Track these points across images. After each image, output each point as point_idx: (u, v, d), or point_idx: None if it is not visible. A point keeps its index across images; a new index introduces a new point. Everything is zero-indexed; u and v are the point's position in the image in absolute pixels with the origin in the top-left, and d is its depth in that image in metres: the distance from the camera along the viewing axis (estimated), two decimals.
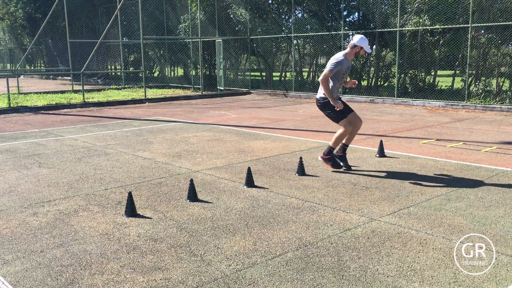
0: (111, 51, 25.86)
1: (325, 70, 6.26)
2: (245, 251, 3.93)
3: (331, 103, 6.24)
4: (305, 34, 19.39)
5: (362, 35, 6.38)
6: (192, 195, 5.30)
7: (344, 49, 17.86)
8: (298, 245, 4.03)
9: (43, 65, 35.51)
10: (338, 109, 6.25)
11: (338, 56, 6.32)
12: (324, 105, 6.43)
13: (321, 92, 6.43)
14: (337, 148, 6.64)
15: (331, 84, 6.29)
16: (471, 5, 13.76)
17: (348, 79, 6.71)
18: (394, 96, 15.93)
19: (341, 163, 6.59)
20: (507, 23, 13.48)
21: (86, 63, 18.48)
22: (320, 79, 6.25)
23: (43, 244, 4.13)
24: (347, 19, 19.05)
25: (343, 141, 6.58)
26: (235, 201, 5.25)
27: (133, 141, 9.03)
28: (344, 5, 17.79)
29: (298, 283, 3.38)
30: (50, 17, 22.00)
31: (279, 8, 20.71)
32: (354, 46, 6.31)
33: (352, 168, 6.69)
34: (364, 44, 6.30)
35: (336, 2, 19.14)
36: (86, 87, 19.75)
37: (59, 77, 30.82)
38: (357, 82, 6.61)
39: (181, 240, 4.18)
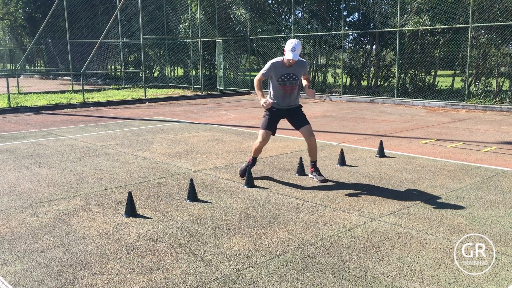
0: (111, 51, 25.86)
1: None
2: (245, 251, 3.93)
3: (259, 99, 5.95)
4: (305, 34, 19.39)
5: (294, 39, 5.72)
6: (192, 195, 5.30)
7: (344, 49, 17.98)
8: (298, 245, 4.03)
9: (43, 65, 35.50)
10: (263, 106, 5.79)
11: (275, 59, 5.91)
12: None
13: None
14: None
15: (271, 89, 5.94)
16: (471, 5, 13.76)
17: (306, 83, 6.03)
18: (394, 96, 15.93)
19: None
20: (507, 23, 13.48)
21: (86, 63, 18.48)
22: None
23: (43, 244, 4.13)
24: (347, 19, 19.05)
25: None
26: (235, 201, 5.25)
27: (133, 141, 9.03)
28: (344, 5, 17.79)
29: (298, 283, 3.38)
30: (50, 17, 22.00)
31: (279, 8, 20.71)
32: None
33: (352, 168, 6.69)
34: (287, 48, 5.64)
35: (336, 2, 19.14)
36: (86, 87, 19.76)
37: (59, 77, 30.81)
38: (314, 92, 5.92)
39: (181, 240, 4.18)
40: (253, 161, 6.22)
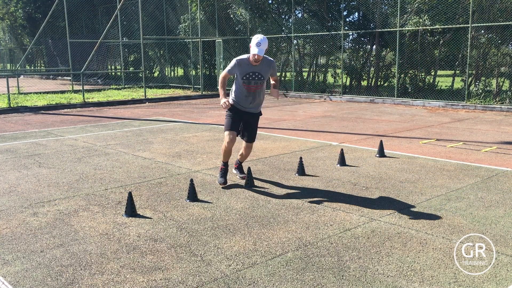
0: (111, 51, 25.86)
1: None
2: (245, 251, 3.93)
3: (220, 98, 5.70)
4: (305, 34, 19.39)
5: (260, 35, 5.43)
6: (192, 195, 5.30)
7: (344, 49, 17.98)
8: (298, 245, 4.03)
9: (43, 65, 35.50)
10: (222, 106, 5.54)
11: (240, 56, 5.65)
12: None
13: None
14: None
15: (234, 88, 5.69)
16: (471, 5, 13.76)
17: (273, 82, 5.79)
18: (394, 96, 15.93)
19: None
20: (507, 23, 13.48)
21: (86, 63, 18.48)
22: None
23: (43, 244, 4.13)
24: (347, 19, 19.05)
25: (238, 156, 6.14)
26: (235, 201, 5.25)
27: (133, 141, 9.03)
28: (344, 5, 17.79)
29: (298, 283, 3.38)
30: (50, 17, 22.00)
31: (279, 8, 20.71)
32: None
33: (352, 168, 6.69)
34: (252, 43, 5.36)
35: (336, 2, 19.14)
36: (86, 87, 19.76)
37: (59, 77, 30.81)
38: (278, 92, 5.75)
39: (181, 240, 4.18)
40: (225, 166, 5.90)
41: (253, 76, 5.51)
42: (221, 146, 8.37)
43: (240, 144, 6.15)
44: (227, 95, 5.69)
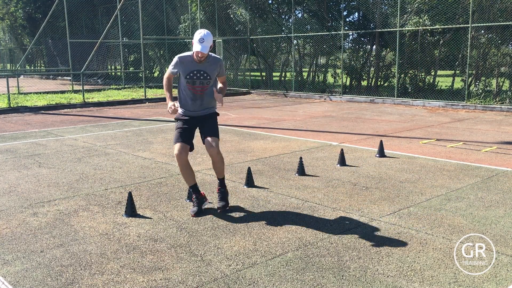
0: (111, 51, 25.87)
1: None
2: (245, 251, 3.93)
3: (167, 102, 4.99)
4: (305, 34, 19.39)
5: (204, 29, 4.80)
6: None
7: (344, 49, 17.98)
8: (298, 245, 4.03)
9: (43, 65, 35.51)
10: (169, 111, 4.86)
11: (183, 53, 4.99)
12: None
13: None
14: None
15: (179, 91, 4.99)
16: (471, 5, 13.76)
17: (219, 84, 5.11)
18: (394, 96, 15.93)
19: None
20: (507, 23, 13.48)
21: (86, 63, 18.48)
22: None
23: (43, 244, 4.13)
24: (347, 19, 19.06)
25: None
26: (235, 201, 5.25)
27: (133, 141, 9.03)
28: (344, 5, 17.79)
29: (298, 283, 3.38)
30: (50, 17, 22.00)
31: (279, 8, 20.71)
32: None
33: (352, 168, 6.69)
34: (194, 39, 4.75)
35: (336, 2, 19.14)
36: (86, 87, 19.75)
37: (59, 77, 30.81)
38: (222, 98, 4.96)
39: (181, 240, 4.18)
40: (194, 191, 4.96)
41: (198, 75, 4.84)
42: (221, 146, 8.37)
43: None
44: (174, 99, 4.96)
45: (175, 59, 4.90)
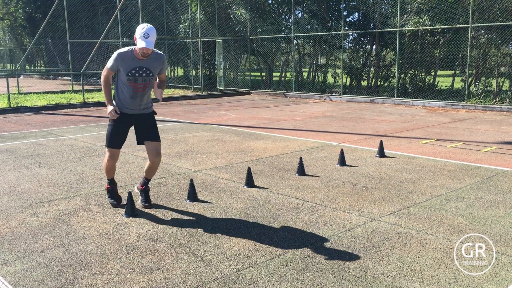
0: (111, 51, 25.83)
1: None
2: (245, 251, 3.93)
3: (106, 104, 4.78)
4: (305, 34, 19.39)
5: (146, 24, 4.55)
6: (192, 195, 5.30)
7: (344, 49, 17.98)
8: (298, 245, 4.03)
9: (43, 65, 35.51)
10: (109, 115, 4.72)
11: (123, 49, 4.68)
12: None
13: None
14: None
15: (118, 87, 4.76)
16: (471, 5, 13.76)
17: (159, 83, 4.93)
18: (394, 96, 15.93)
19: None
20: (507, 23, 13.48)
21: (86, 63, 18.48)
22: None
23: (43, 244, 4.13)
24: (347, 19, 19.06)
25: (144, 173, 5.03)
26: (235, 201, 5.25)
27: (133, 141, 9.00)
28: (344, 5, 17.79)
29: (298, 283, 3.38)
30: (50, 17, 21.99)
31: (279, 8, 20.71)
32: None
33: (352, 168, 6.69)
34: (137, 34, 4.47)
35: (336, 2, 19.14)
36: (86, 87, 19.74)
37: (59, 77, 30.80)
38: (162, 93, 4.79)
39: (181, 240, 4.18)
40: (111, 183, 5.10)
41: (140, 72, 4.60)
42: (221, 146, 8.38)
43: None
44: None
45: (115, 55, 4.61)
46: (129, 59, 4.58)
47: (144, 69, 4.61)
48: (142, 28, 4.45)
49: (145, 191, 5.08)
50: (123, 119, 4.78)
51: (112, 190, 5.15)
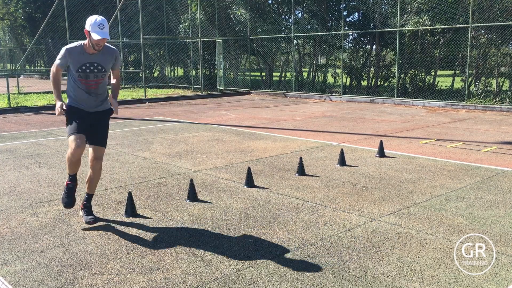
0: None
1: None
2: (245, 251, 3.93)
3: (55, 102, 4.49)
4: (305, 34, 19.40)
5: (97, 16, 4.29)
6: (192, 195, 5.30)
7: (344, 49, 17.98)
8: (298, 245, 4.03)
9: (43, 65, 35.50)
10: (57, 114, 4.37)
11: (72, 44, 4.41)
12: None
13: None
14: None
15: (71, 86, 4.53)
16: (471, 5, 13.76)
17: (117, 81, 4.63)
18: (394, 96, 15.93)
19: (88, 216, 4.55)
20: (507, 23, 13.48)
21: None
22: None
23: (43, 244, 4.13)
24: (347, 19, 19.06)
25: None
26: (235, 201, 5.25)
27: (133, 141, 9.03)
28: (344, 5, 17.79)
29: (298, 283, 3.38)
30: (50, 17, 21.99)
31: (279, 8, 20.71)
32: (89, 32, 4.23)
33: (352, 168, 6.69)
34: (91, 27, 4.20)
35: (336, 2, 19.14)
36: None
37: None
38: (117, 106, 4.52)
39: (181, 240, 4.18)
40: (72, 180, 4.55)
41: (91, 67, 4.33)
42: (221, 146, 8.38)
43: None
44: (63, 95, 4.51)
45: (63, 50, 4.32)
46: (78, 54, 4.31)
47: (95, 65, 4.34)
48: (94, 18, 4.20)
49: (86, 207, 4.58)
50: (77, 111, 4.46)
51: (72, 188, 4.54)
